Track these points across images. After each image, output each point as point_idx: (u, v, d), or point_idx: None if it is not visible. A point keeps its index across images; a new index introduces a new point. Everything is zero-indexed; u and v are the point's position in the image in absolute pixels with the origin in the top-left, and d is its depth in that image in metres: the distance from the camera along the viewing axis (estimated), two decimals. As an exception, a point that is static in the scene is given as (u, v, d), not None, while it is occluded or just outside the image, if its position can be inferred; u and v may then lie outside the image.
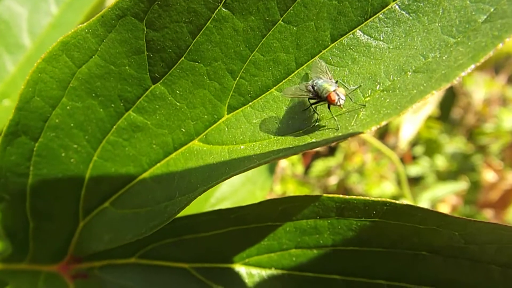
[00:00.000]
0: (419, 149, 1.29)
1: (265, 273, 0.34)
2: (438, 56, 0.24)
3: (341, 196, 0.30)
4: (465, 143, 1.28)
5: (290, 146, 0.25)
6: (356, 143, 1.21)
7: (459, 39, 0.23)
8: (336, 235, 0.31)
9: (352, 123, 0.24)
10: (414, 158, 1.30)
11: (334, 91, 0.27)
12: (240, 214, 0.34)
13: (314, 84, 0.27)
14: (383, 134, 1.29)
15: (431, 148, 1.27)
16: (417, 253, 0.29)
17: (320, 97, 0.27)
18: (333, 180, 1.20)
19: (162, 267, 0.36)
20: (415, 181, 1.31)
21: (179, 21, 0.26)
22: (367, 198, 0.29)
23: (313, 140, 0.24)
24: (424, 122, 1.13)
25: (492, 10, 0.23)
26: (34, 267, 0.40)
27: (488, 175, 1.15)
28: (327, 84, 0.27)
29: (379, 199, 0.28)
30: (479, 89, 1.22)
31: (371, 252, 0.30)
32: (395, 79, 0.25)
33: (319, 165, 1.23)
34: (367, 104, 0.25)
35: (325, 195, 0.30)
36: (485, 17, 0.23)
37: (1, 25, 0.62)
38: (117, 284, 0.37)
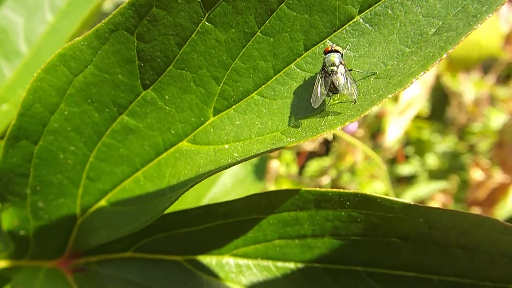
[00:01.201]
0: (412, 149, 1.32)
1: (251, 263, 0.36)
2: (396, 64, 0.26)
3: (318, 189, 0.32)
4: (457, 142, 1.32)
5: (268, 145, 0.28)
6: (347, 143, 1.23)
7: (413, 49, 0.26)
8: (315, 226, 0.34)
9: (322, 124, 0.27)
10: (407, 157, 1.33)
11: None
12: (227, 208, 0.36)
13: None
14: (375, 134, 1.32)
15: (421, 148, 1.30)
16: (389, 240, 0.32)
17: (326, 67, 0.29)
18: (326, 180, 1.22)
19: (156, 260, 0.38)
20: (408, 180, 1.33)
21: (167, 34, 0.29)
22: (341, 190, 0.31)
23: (288, 139, 0.27)
24: (412, 122, 1.16)
25: (440, 24, 0.25)
26: (35, 263, 0.42)
27: (476, 174, 1.17)
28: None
29: (352, 191, 0.31)
30: (469, 89, 1.25)
31: (347, 240, 0.33)
32: (360, 84, 0.28)
33: (314, 165, 1.25)
34: (336, 106, 0.28)
35: (303, 188, 0.33)
36: (434, 30, 0.26)
37: (-1, 33, 0.64)
38: (114, 277, 0.39)
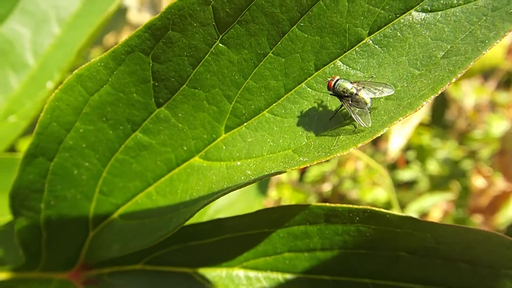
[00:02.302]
0: (412, 154, 1.33)
1: (261, 275, 0.37)
2: (405, 85, 0.27)
3: (328, 204, 0.33)
4: (457, 148, 1.32)
5: (280, 163, 0.29)
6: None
7: (422, 71, 0.27)
8: (324, 239, 0.34)
9: (334, 144, 0.28)
10: (407, 162, 1.34)
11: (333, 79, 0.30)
12: (238, 222, 0.37)
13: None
14: (376, 140, 1.33)
15: (422, 154, 1.30)
16: (396, 254, 0.32)
17: (346, 93, 0.30)
18: (327, 187, 1.22)
19: (167, 272, 0.39)
20: (409, 185, 1.34)
21: (181, 55, 0.30)
22: (351, 206, 0.32)
23: (301, 158, 0.28)
24: (414, 129, 1.16)
25: (449, 47, 0.26)
26: (46, 275, 0.43)
27: (478, 181, 1.17)
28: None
29: (361, 206, 0.32)
30: (470, 95, 1.26)
31: (355, 253, 0.34)
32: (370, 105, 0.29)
33: (314, 171, 1.25)
34: (348, 126, 0.29)
35: (313, 203, 0.33)
36: (443, 53, 0.26)
37: (5, 45, 0.64)
38: (126, 289, 0.40)
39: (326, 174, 1.26)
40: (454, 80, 0.24)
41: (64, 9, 0.65)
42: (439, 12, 0.27)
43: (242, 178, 0.30)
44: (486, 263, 0.31)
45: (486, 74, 1.38)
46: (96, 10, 0.63)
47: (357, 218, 0.32)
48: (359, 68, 0.29)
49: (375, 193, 1.21)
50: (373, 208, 0.31)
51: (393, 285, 0.34)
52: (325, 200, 1.22)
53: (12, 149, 0.60)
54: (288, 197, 1.15)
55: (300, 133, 0.30)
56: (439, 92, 0.24)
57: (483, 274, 0.31)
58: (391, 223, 0.31)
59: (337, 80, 0.30)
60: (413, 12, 0.28)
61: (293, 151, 0.29)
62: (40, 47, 0.66)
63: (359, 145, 0.25)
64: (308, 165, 0.26)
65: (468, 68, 0.24)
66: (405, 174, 1.30)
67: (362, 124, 0.29)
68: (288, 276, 0.36)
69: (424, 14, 0.27)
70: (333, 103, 0.31)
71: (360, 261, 0.34)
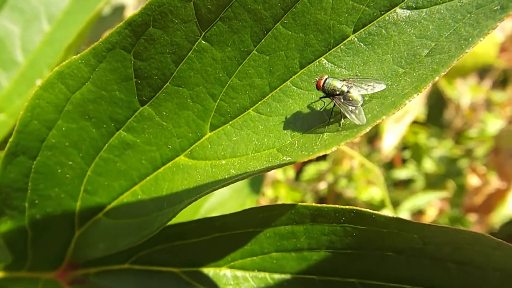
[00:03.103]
0: (408, 153, 1.33)
1: (248, 275, 0.36)
2: (390, 83, 0.27)
3: (313, 204, 0.33)
4: (453, 147, 1.32)
5: (265, 162, 0.29)
6: (344, 149, 1.23)
7: (406, 69, 0.26)
8: (311, 239, 0.34)
9: (318, 143, 0.27)
10: (404, 161, 1.34)
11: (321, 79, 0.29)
12: (224, 221, 0.37)
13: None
14: (372, 138, 1.33)
15: (417, 153, 1.30)
16: (383, 254, 0.32)
17: (337, 91, 0.30)
18: (323, 185, 1.22)
19: (154, 271, 0.39)
20: (405, 184, 1.34)
21: (163, 52, 0.29)
22: (337, 206, 0.32)
23: (284, 157, 0.28)
24: (409, 127, 1.16)
25: (433, 45, 0.26)
26: (33, 275, 0.43)
27: (473, 180, 1.17)
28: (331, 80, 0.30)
29: (348, 206, 0.31)
30: (466, 94, 1.26)
31: (342, 253, 0.33)
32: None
33: (311, 169, 1.25)
34: (329, 126, 0.29)
35: (299, 203, 0.33)
36: (427, 51, 0.26)
37: (-6, 42, 0.64)
38: (112, 288, 0.39)
39: (322, 173, 1.25)
40: (437, 78, 0.24)
41: (54, 6, 0.64)
42: (424, 10, 0.27)
43: (227, 177, 0.29)
44: (475, 263, 0.30)
45: (482, 73, 1.38)
46: (87, 7, 0.63)
47: (343, 218, 0.32)
48: (344, 66, 0.29)
49: (371, 191, 1.21)
50: (359, 208, 0.31)
51: (381, 285, 0.33)
52: (321, 199, 1.22)
53: (3, 147, 0.60)
54: (284, 196, 1.14)
55: (285, 131, 0.30)
56: (422, 91, 0.24)
57: (472, 274, 0.30)
58: (377, 223, 0.31)
59: (326, 79, 0.29)
60: (398, 10, 0.27)
61: (278, 150, 0.29)
62: (30, 44, 0.65)
63: (342, 143, 0.25)
64: (291, 164, 0.26)
65: (451, 66, 0.23)
66: (401, 173, 1.30)
67: (356, 122, 0.28)
68: (276, 276, 0.36)
69: (409, 11, 0.27)
70: (319, 101, 0.30)
71: (347, 261, 0.34)
